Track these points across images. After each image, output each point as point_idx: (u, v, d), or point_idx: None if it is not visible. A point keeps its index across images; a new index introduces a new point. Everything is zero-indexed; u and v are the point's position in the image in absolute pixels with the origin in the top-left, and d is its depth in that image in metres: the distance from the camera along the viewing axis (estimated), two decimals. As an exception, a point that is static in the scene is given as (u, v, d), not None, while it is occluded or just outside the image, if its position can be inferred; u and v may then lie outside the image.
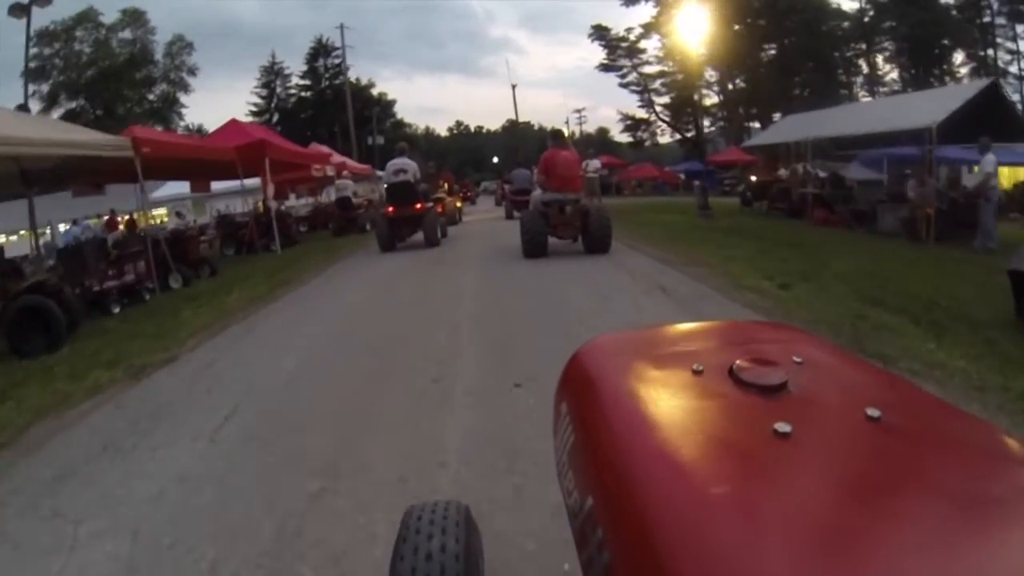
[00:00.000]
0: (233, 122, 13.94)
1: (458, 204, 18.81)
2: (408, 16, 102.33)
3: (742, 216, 15.00)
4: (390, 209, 10.63)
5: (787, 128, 16.32)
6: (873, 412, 0.75)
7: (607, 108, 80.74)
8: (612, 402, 0.89)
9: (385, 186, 11.69)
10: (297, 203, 22.75)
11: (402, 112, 66.24)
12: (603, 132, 74.46)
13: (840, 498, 0.65)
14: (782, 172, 25.33)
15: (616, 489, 0.73)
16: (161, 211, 24.25)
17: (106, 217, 19.80)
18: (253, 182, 17.91)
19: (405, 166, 10.67)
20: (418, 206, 10.57)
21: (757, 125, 46.06)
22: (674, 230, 10.58)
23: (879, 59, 43.52)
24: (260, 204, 14.95)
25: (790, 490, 0.65)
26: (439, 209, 14.27)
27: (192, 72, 43.12)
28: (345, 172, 16.26)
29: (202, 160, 10.82)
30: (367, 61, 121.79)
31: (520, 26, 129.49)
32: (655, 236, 9.84)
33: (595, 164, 17.11)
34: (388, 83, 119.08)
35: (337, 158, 19.73)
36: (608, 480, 0.76)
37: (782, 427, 0.71)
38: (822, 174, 14.83)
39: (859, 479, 0.68)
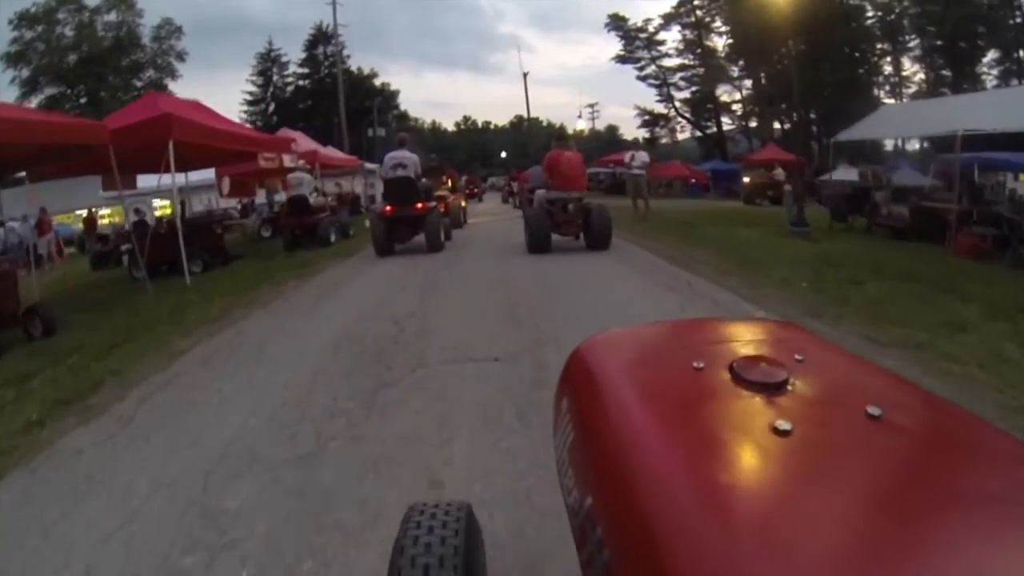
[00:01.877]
0: (149, 95, 9.70)
1: (462, 203, 15.57)
2: (417, 13, 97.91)
3: (837, 234, 10.60)
4: (387, 208, 9.01)
5: (892, 120, 12.01)
6: (873, 410, 0.72)
7: (615, 106, 77.17)
8: (612, 399, 0.85)
9: (382, 182, 9.55)
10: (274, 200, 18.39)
11: (410, 108, 62.52)
12: (612, 130, 71.80)
13: (840, 496, 0.61)
14: (778, 172, 21.90)
15: (615, 487, 0.70)
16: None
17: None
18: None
19: (405, 160, 8.94)
20: (419, 206, 8.97)
21: (776, 125, 41.86)
22: (797, 268, 6.20)
23: (905, 59, 38.56)
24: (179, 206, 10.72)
25: (790, 488, 0.63)
26: (442, 208, 12.02)
27: (181, 57, 38.67)
28: (302, 162, 11.80)
29: (56, 146, 6.56)
30: (376, 56, 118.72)
31: (529, 24, 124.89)
32: (792, 286, 5.45)
33: (642, 157, 12.78)
34: (396, 77, 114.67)
35: (307, 144, 15.32)
36: (607, 478, 0.73)
37: (782, 425, 0.69)
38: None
39: (859, 477, 0.65)
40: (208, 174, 13.73)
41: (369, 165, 22.22)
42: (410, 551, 1.01)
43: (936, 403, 0.82)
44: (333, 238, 11.28)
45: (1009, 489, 0.61)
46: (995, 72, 35.66)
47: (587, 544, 0.72)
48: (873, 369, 0.92)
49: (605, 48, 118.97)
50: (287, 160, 11.38)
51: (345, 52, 45.01)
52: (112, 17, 38.61)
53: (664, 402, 0.82)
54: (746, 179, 24.87)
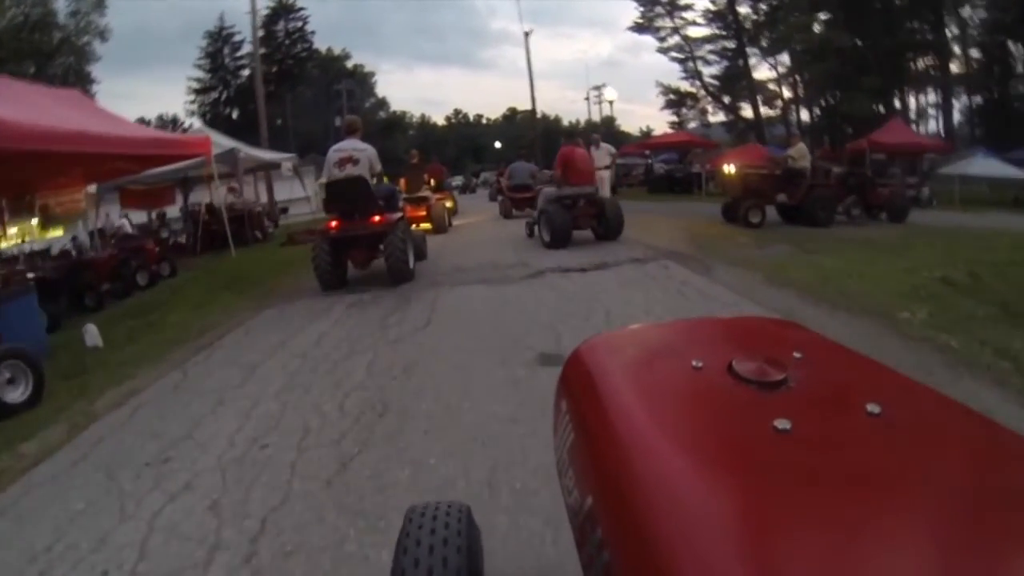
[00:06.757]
0: None
1: (448, 204, 13.63)
2: (409, 9, 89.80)
3: None
4: (333, 224, 6.72)
5: None
6: (873, 408, 0.71)
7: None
8: (611, 400, 0.84)
9: (324, 185, 6.84)
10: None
11: (402, 105, 54.15)
12: (609, 120, 64.00)
13: (840, 495, 0.61)
14: (798, 150, 10.48)
15: (615, 487, 0.70)
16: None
17: None
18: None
19: (356, 153, 6.40)
20: (377, 219, 6.56)
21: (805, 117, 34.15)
22: None
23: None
24: None
25: (790, 487, 0.62)
26: (421, 213, 10.71)
27: (103, 36, 30.01)
28: None
29: None
30: (370, 54, 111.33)
31: (519, 18, 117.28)
32: None
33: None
34: (388, 75, 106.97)
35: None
36: (607, 478, 0.72)
37: (782, 423, 0.68)
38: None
39: (859, 475, 0.64)
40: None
41: (281, 156, 14.31)
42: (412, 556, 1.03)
43: (936, 400, 0.79)
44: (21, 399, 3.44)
45: (1011, 486, 0.62)
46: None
47: (587, 544, 0.72)
48: (873, 366, 0.90)
49: (596, 43, 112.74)
50: None
51: (309, 28, 36.58)
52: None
53: (663, 402, 0.80)
54: (728, 169, 12.36)
